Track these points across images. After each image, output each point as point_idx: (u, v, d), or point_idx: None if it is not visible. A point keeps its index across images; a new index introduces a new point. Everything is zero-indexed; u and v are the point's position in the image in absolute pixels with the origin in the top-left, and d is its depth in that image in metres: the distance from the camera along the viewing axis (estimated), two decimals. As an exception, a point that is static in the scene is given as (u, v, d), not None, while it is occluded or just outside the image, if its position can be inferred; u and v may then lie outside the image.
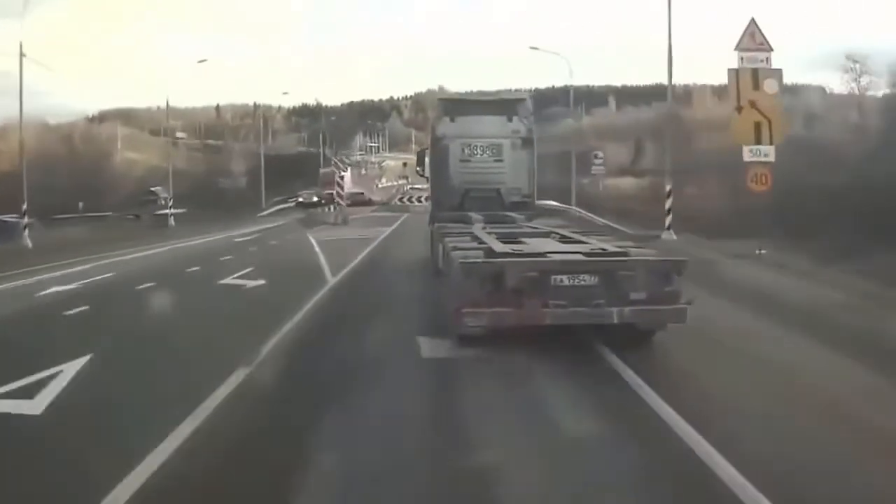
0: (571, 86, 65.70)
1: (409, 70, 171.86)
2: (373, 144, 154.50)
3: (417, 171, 26.52)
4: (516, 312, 11.54)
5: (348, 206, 62.34)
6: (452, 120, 22.16)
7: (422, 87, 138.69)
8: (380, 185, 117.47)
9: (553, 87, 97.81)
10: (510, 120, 21.89)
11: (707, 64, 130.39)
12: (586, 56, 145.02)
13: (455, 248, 13.67)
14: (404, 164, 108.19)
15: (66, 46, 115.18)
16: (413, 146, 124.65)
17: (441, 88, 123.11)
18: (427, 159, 23.59)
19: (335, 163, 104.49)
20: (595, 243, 13.62)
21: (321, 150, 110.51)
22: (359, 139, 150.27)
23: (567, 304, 11.51)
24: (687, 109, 76.96)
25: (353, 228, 48.10)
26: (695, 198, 50.21)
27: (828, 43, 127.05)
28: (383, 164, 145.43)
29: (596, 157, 57.75)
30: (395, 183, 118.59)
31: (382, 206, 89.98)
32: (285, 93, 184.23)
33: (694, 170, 52.16)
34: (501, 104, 22.83)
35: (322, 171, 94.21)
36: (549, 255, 12.41)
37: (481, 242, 14.19)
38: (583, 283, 11.67)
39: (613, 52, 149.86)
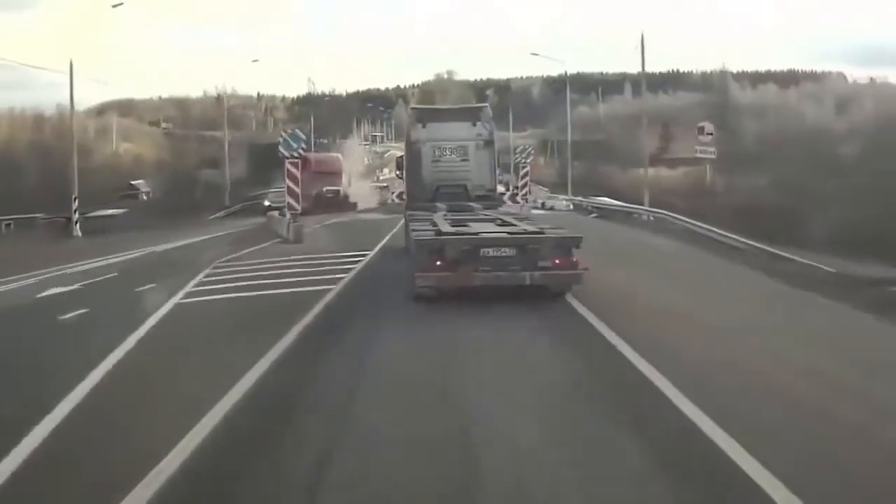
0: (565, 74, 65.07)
1: (417, 58, 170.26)
2: (378, 133, 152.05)
3: (397, 175, 29.92)
4: (453, 276, 15.35)
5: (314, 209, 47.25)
6: (424, 126, 25.17)
7: (430, 76, 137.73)
8: (380, 178, 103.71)
9: (566, 73, 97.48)
10: (474, 125, 24.95)
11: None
12: (600, 43, 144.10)
13: (414, 230, 18.02)
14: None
15: (70, 39, 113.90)
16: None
17: (450, 75, 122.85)
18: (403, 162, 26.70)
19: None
20: (521, 226, 17.48)
21: (311, 138, 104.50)
22: (363, 128, 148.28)
23: (491, 269, 15.30)
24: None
25: (305, 254, 25.28)
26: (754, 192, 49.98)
27: (843, 32, 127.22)
28: (387, 153, 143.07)
29: (703, 131, 41.73)
30: (398, 173, 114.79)
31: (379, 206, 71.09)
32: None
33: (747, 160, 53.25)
34: (466, 112, 26.48)
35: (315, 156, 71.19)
36: (480, 234, 16.41)
37: (435, 225, 17.72)
38: (503, 254, 15.44)
39: (629, 39, 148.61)
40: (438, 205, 23.13)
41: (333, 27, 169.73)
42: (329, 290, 17.27)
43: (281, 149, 30.94)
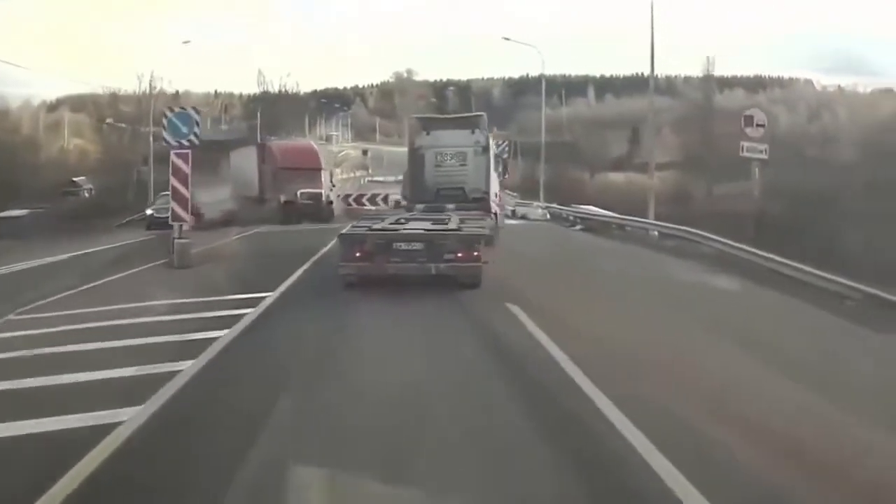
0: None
1: (376, 58, 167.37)
2: (333, 133, 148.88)
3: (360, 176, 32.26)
4: (370, 266, 17.47)
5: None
6: (428, 133, 26.53)
7: (389, 76, 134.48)
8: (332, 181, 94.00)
9: (527, 75, 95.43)
10: (473, 132, 26.20)
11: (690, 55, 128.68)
12: (562, 45, 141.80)
13: (353, 225, 20.29)
14: (364, 152, 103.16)
15: (36, 33, 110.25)
16: (377, 135, 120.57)
17: (409, 74, 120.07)
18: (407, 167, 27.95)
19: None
20: (450, 225, 19.12)
21: (259, 136, 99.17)
22: (319, 127, 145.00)
23: (401, 261, 17.41)
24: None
25: (169, 296, 17.44)
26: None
27: (811, 39, 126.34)
28: (341, 153, 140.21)
29: (752, 122, 29.66)
30: (353, 175, 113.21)
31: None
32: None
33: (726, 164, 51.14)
34: (466, 120, 27.93)
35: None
36: (398, 230, 18.48)
37: (375, 222, 19.94)
38: (413, 248, 17.51)
39: (592, 42, 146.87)
40: (417, 205, 25.31)
41: (294, 25, 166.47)
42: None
43: (165, 135, 23.70)
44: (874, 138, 52.71)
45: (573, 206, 46.57)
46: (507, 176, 33.67)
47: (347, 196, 51.92)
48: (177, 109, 24.54)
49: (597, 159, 74.66)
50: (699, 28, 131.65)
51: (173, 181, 23.51)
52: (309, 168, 46.02)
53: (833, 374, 11.26)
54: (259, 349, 12.59)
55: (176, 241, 23.28)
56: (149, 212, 42.99)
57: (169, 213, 23.80)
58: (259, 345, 12.92)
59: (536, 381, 10.40)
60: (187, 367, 10.96)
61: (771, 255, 21.75)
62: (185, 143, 23.29)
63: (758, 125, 28.51)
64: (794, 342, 13.51)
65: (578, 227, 37.75)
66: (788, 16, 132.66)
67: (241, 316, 14.78)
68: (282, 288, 18.34)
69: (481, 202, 25.39)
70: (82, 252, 30.12)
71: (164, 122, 23.72)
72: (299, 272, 21.02)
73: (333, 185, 50.55)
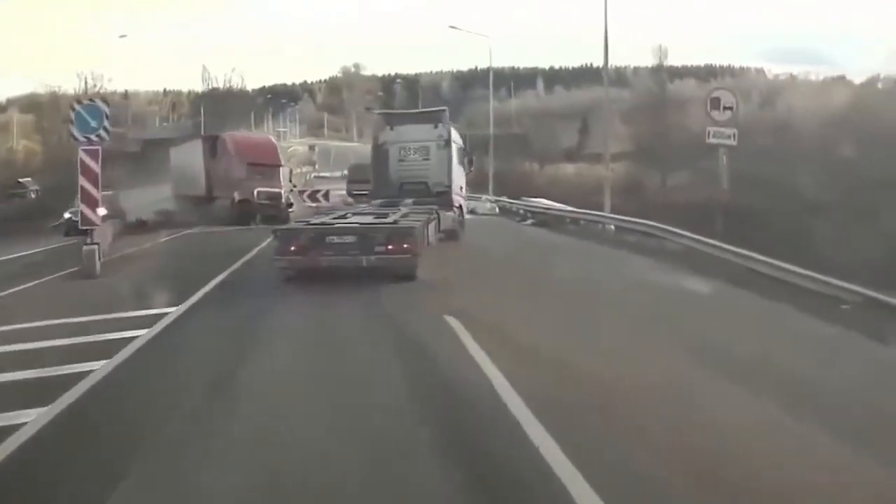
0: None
1: (324, 53, 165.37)
2: (281, 129, 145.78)
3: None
4: (303, 259, 17.45)
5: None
6: (392, 129, 26.61)
7: (337, 70, 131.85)
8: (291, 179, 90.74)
9: (476, 68, 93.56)
10: (436, 127, 26.00)
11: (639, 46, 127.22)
12: (511, 38, 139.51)
13: (297, 220, 21.70)
14: (311, 147, 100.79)
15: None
16: (325, 130, 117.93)
17: (357, 68, 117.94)
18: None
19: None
20: (390, 219, 19.21)
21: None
22: (267, 123, 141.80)
23: (334, 254, 17.35)
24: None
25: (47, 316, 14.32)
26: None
27: (761, 29, 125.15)
28: (289, 149, 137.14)
29: (719, 105, 24.61)
30: (300, 170, 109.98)
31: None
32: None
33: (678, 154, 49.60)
34: (429, 115, 28.08)
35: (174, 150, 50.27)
36: (333, 224, 18.72)
37: (321, 216, 21.15)
38: (346, 241, 17.47)
39: (541, 34, 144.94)
40: (376, 201, 25.15)
41: (241, 20, 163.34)
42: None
43: (73, 130, 20.89)
44: (830, 126, 51.07)
45: (524, 199, 43.28)
46: (472, 169, 30.96)
47: (315, 192, 48.39)
48: (85, 102, 21.74)
49: (547, 151, 72.76)
50: (648, 19, 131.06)
51: (82, 181, 20.48)
52: (267, 164, 39.89)
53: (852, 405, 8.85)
54: (132, 390, 9.84)
55: (84, 247, 20.52)
56: (66, 215, 36.12)
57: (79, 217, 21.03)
58: (135, 383, 10.14)
59: (478, 436, 7.78)
60: (33, 417, 8.29)
61: (749, 253, 19.14)
62: (94, 138, 20.55)
63: (725, 108, 24.39)
64: (798, 363, 10.86)
65: (530, 221, 34.55)
66: (738, 6, 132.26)
67: (128, 341, 12.12)
68: (192, 300, 15.91)
69: (444, 196, 25.27)
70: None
71: (72, 115, 20.94)
72: (218, 279, 18.74)
73: (294, 186, 45.00)
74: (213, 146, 42.82)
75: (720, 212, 23.60)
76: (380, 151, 26.55)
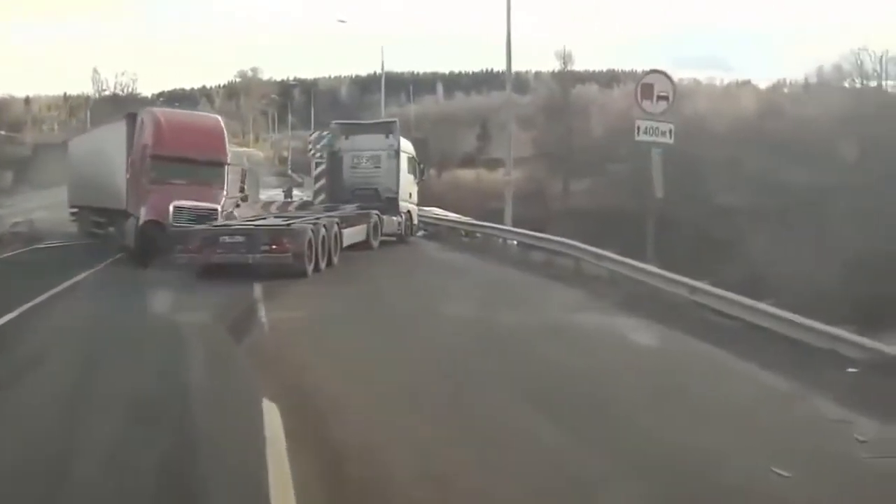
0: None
1: (223, 58, 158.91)
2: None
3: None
4: (199, 256, 18.75)
5: None
6: (347, 138, 27.08)
7: (235, 75, 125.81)
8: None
9: (375, 73, 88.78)
10: (387, 137, 26.65)
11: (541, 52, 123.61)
12: (410, 43, 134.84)
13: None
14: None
15: None
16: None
17: (255, 72, 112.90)
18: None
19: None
20: (303, 218, 21.42)
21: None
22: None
23: (225, 252, 18.67)
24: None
25: None
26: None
27: (664, 36, 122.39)
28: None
29: (652, 94, 18.76)
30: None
31: None
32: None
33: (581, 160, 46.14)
34: (381, 125, 28.63)
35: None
36: (229, 225, 20.19)
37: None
38: (236, 240, 18.79)
39: (441, 38, 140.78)
40: (325, 206, 26.18)
41: (140, 25, 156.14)
42: None
43: None
44: (741, 130, 47.54)
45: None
46: (424, 177, 30.49)
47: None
48: None
49: (446, 157, 68.17)
50: (550, 24, 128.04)
51: None
52: (202, 161, 22.98)
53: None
54: None
55: None
56: None
57: None
58: None
59: None
60: None
61: (702, 285, 14.00)
62: None
63: (659, 97, 18.38)
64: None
65: (421, 233, 29.06)
66: (642, 12, 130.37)
67: None
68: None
69: (391, 202, 25.94)
70: None
71: None
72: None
73: (244, 195, 25.31)
74: (133, 131, 25.30)
75: (651, 225, 18.11)
76: (335, 159, 27.20)
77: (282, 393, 9.08)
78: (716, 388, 9.85)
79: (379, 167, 26.32)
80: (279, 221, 20.96)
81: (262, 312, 14.23)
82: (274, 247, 18.28)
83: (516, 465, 7.17)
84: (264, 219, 22.33)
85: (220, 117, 26.92)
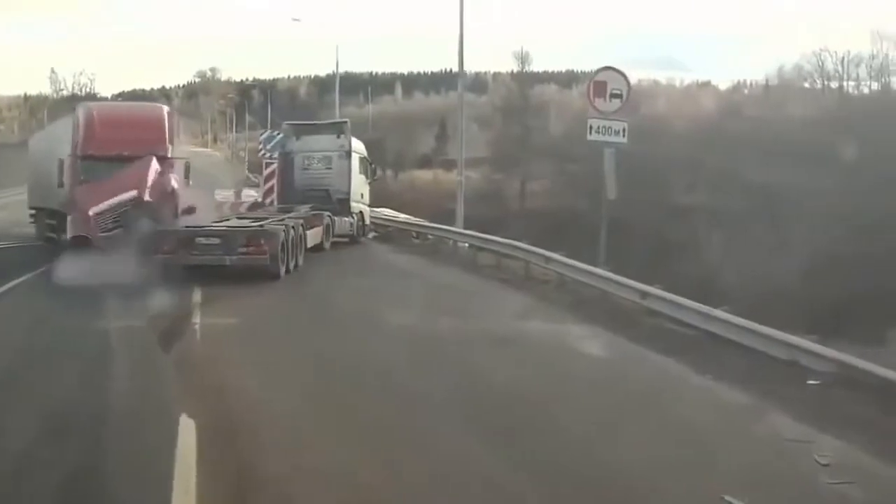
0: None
1: (183, 59, 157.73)
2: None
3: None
4: (174, 257, 18.02)
5: None
6: (298, 139, 26.81)
7: (195, 75, 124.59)
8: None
9: (333, 73, 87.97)
10: (338, 137, 26.35)
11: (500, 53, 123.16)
12: (369, 43, 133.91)
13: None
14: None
15: None
16: (182, 136, 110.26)
17: (214, 72, 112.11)
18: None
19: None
20: (269, 220, 21.01)
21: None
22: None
23: (200, 253, 18.33)
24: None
25: None
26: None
27: (623, 37, 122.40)
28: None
29: (605, 92, 17.74)
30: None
31: None
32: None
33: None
34: (332, 126, 28.21)
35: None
36: (205, 227, 19.74)
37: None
38: (212, 241, 18.54)
39: (400, 39, 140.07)
40: (281, 206, 25.29)
41: (99, 26, 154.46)
42: None
43: None
44: (701, 131, 47.13)
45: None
46: (376, 177, 30.54)
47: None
48: None
49: (403, 157, 67.56)
50: (509, 25, 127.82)
51: None
52: (134, 158, 20.34)
53: None
54: None
55: None
56: None
57: None
58: None
59: None
60: None
61: (653, 290, 13.24)
62: None
63: (613, 95, 17.45)
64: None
65: (372, 234, 28.42)
66: (602, 13, 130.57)
67: None
68: None
69: (343, 203, 25.66)
70: None
71: None
72: None
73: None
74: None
75: (604, 226, 17.25)
76: (286, 160, 26.89)
77: (202, 408, 8.37)
78: (666, 405, 9.08)
79: (330, 168, 26.00)
80: (247, 223, 20.74)
81: (198, 318, 13.87)
82: (251, 248, 18.16)
83: (439, 496, 6.39)
84: (227, 220, 22.02)
85: (165, 106, 24.57)
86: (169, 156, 20.75)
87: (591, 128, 17.35)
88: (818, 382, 9.55)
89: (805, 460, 7.27)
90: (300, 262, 19.76)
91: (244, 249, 18.14)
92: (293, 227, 19.82)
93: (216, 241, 18.53)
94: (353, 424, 8.18)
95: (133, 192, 19.26)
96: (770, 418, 8.59)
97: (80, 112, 21.87)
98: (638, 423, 8.32)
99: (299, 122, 30.49)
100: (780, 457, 7.50)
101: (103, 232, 18.80)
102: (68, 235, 19.68)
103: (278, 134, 30.36)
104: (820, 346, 9.99)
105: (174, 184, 20.62)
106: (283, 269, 18.45)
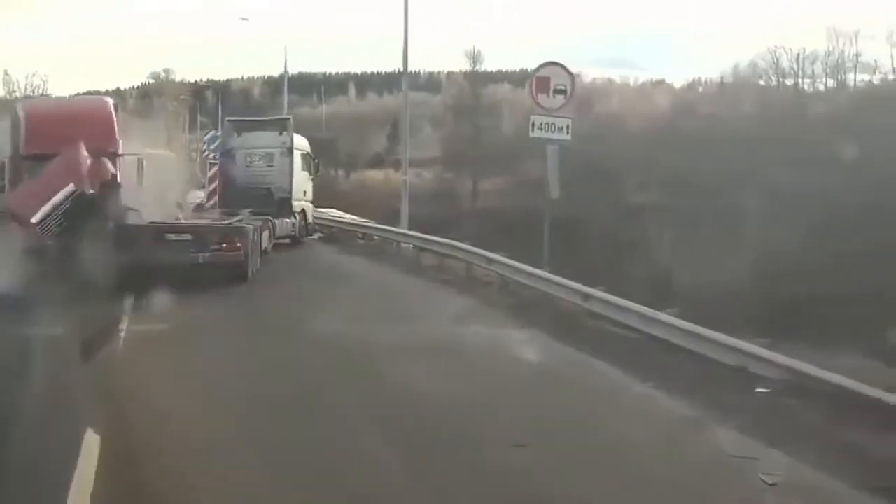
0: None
1: (137, 59, 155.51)
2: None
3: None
4: (141, 254, 16.71)
5: None
6: (239, 135, 26.15)
7: (148, 76, 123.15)
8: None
9: (287, 73, 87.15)
10: (280, 134, 25.98)
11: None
12: (322, 43, 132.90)
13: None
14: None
15: None
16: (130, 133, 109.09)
17: (167, 73, 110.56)
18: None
19: None
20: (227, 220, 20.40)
21: None
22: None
23: (172, 251, 17.28)
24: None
25: None
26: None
27: (576, 36, 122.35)
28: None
29: (548, 88, 17.16)
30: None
31: None
32: None
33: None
34: (274, 122, 28.16)
35: None
36: (174, 223, 19.21)
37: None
38: (184, 238, 17.82)
39: (354, 39, 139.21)
40: (213, 211, 24.31)
41: (54, 26, 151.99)
42: None
43: None
44: (655, 129, 46.87)
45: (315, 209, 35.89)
46: (319, 173, 30.00)
47: None
48: None
49: (355, 157, 67.08)
50: (463, 25, 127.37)
51: None
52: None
53: None
54: None
55: None
56: None
57: None
58: None
59: None
60: None
61: (596, 293, 12.64)
62: None
63: (556, 91, 16.79)
64: None
65: (317, 235, 28.32)
66: (554, 13, 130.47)
67: None
68: None
69: (284, 202, 25.25)
70: None
71: None
72: None
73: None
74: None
75: (547, 226, 16.66)
76: (228, 157, 26.12)
77: (110, 422, 7.74)
78: (605, 418, 8.44)
79: (272, 165, 25.50)
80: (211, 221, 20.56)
81: (125, 324, 13.30)
82: (224, 245, 17.65)
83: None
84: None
85: (110, 99, 21.55)
86: (120, 152, 18.65)
87: (533, 124, 16.82)
88: (767, 390, 8.95)
89: (750, 479, 6.64)
90: (258, 264, 19.18)
91: (217, 247, 17.57)
92: (255, 228, 19.52)
93: (187, 237, 17.75)
94: (262, 441, 7.53)
95: (70, 187, 17.26)
96: (713, 431, 7.94)
97: (21, 110, 19.85)
98: (571, 437, 7.71)
99: (241, 119, 30.01)
100: (722, 476, 6.87)
101: (50, 235, 16.76)
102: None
103: (221, 133, 28.64)
104: (769, 352, 9.41)
105: (111, 168, 18.18)
106: (251, 271, 18.11)
